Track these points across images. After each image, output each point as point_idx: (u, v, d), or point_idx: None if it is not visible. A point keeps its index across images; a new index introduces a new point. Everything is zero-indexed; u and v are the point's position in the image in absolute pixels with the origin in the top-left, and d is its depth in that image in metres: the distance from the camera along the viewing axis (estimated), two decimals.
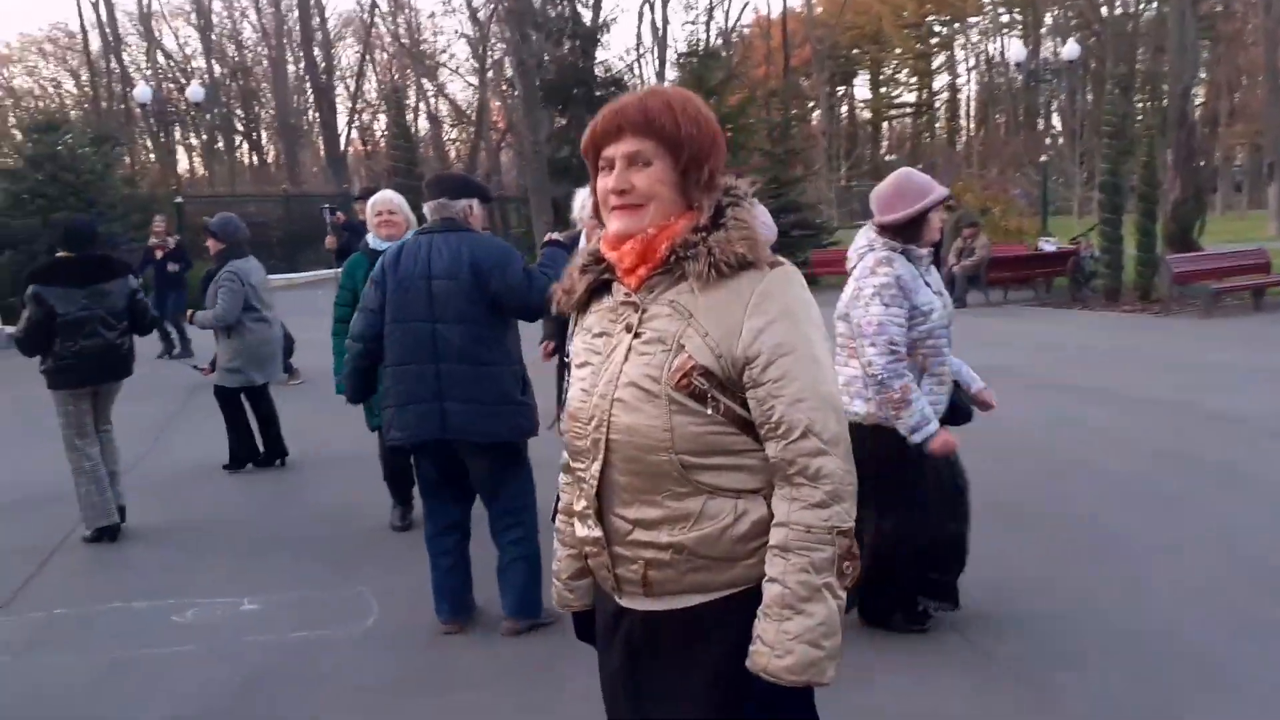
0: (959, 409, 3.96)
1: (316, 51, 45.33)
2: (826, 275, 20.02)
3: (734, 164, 15.49)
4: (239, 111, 51.40)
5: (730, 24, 50.82)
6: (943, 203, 3.86)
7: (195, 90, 26.22)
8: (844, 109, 64.75)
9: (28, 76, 50.36)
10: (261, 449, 7.24)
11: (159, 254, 13.75)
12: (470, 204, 4.11)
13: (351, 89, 49.52)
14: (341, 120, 47.58)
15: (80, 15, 45.01)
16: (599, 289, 1.86)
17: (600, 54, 26.09)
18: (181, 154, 49.43)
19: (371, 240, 5.44)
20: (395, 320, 3.96)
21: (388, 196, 5.54)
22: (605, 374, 1.77)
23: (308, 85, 46.86)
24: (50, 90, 49.40)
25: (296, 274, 26.32)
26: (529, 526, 4.16)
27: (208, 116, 43.78)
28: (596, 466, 1.77)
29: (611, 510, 1.80)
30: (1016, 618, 4.17)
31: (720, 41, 47.60)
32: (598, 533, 1.81)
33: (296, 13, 44.87)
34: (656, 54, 44.26)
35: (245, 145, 53.69)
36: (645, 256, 1.75)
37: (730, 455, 1.73)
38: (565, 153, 24.42)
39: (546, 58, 24.54)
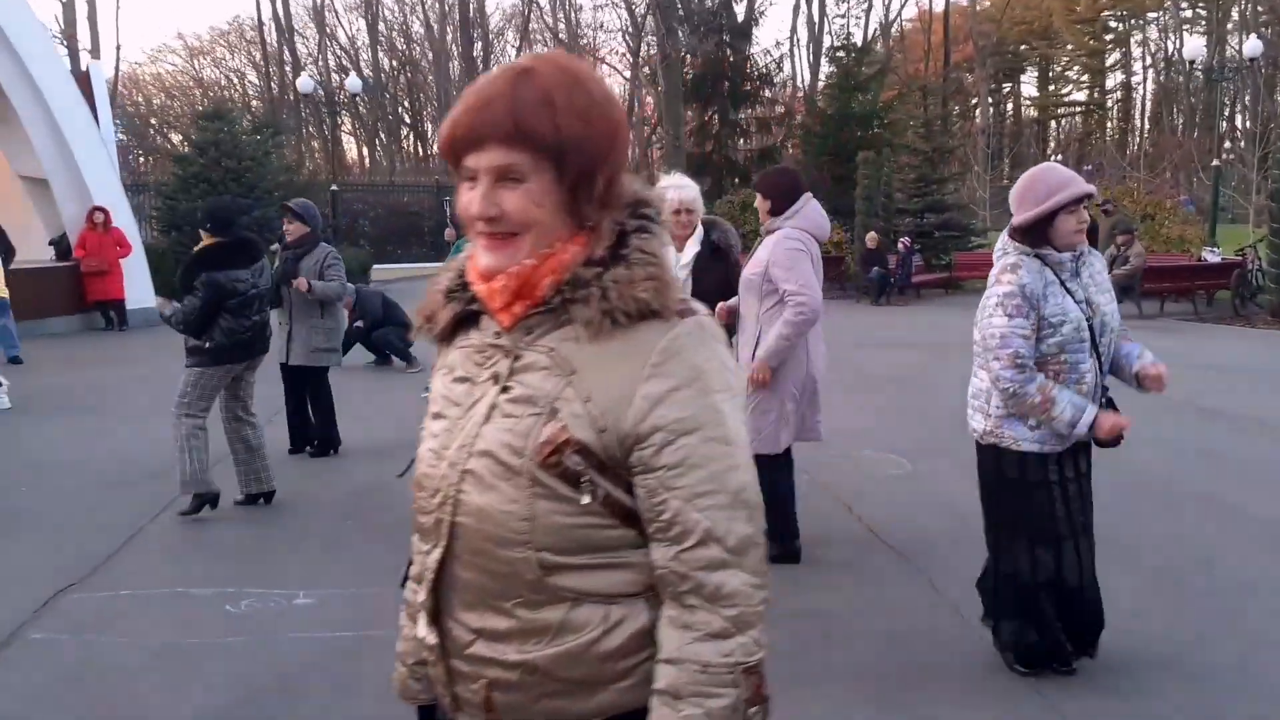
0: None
1: (476, 45, 46.35)
2: (971, 279, 19.37)
3: (880, 160, 15.23)
4: (405, 103, 53.25)
5: (890, 17, 49.65)
6: (1077, 202, 3.43)
7: (353, 81, 27.13)
8: (1010, 106, 62.51)
9: (214, 68, 53.49)
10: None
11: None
12: None
13: None
14: None
15: (258, 8, 46.99)
16: (468, 318, 1.46)
17: (753, 47, 25.64)
18: (350, 143, 51.48)
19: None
20: None
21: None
22: (460, 435, 1.39)
23: (466, 79, 48.01)
24: (235, 81, 52.31)
25: (442, 263, 26.83)
26: None
27: (362, 109, 45.20)
28: (436, 555, 1.40)
29: (451, 613, 1.41)
30: (1110, 670, 3.77)
31: (878, 35, 46.63)
32: (433, 639, 1.43)
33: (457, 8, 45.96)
34: (811, 48, 43.53)
35: (412, 136, 55.45)
36: (521, 293, 1.35)
37: (606, 553, 1.34)
38: (709, 147, 24.29)
39: (692, 52, 24.36)
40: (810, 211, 4.92)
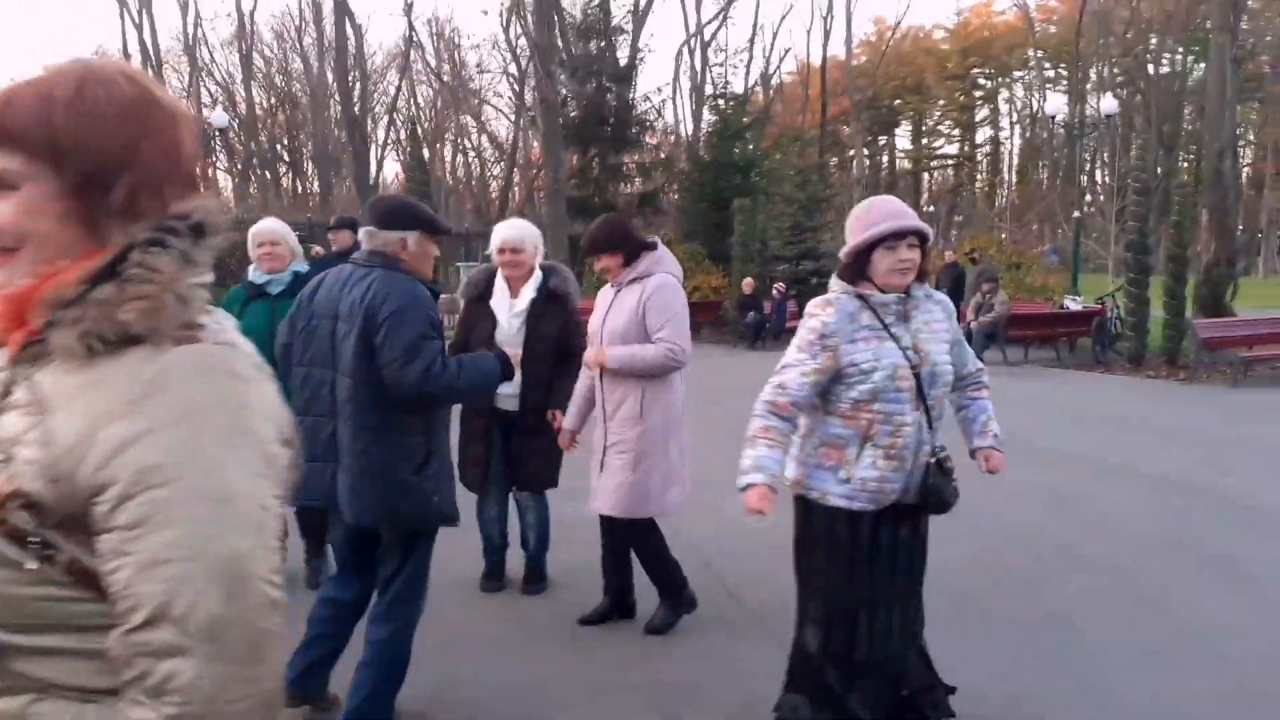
0: (932, 494, 3.22)
1: (355, 86, 45.73)
2: None
3: (756, 208, 15.22)
4: (284, 141, 52.10)
5: (770, 69, 50.72)
6: (897, 238, 3.10)
7: (218, 116, 26.34)
8: (885, 158, 64.43)
9: None
10: None
11: None
12: (405, 238, 3.40)
13: (388, 121, 49.97)
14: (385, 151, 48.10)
15: (124, 38, 45.50)
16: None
17: (634, 93, 25.74)
18: (225, 180, 50.05)
19: (252, 273, 5.02)
20: (298, 362, 3.50)
21: (270, 226, 5.09)
22: None
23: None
24: None
25: None
26: (398, 632, 3.53)
27: (236, 145, 44.06)
28: None
29: None
30: None
31: (757, 85, 47.57)
32: None
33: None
34: (693, 96, 44.12)
35: (292, 173, 54.19)
36: (17, 319, 1.14)
37: (79, 634, 1.10)
38: (589, 190, 24.19)
39: (571, 96, 24.32)
40: (668, 256, 4.70)
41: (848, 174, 51.56)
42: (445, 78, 49.52)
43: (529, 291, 5.01)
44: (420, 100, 52.06)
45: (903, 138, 64.75)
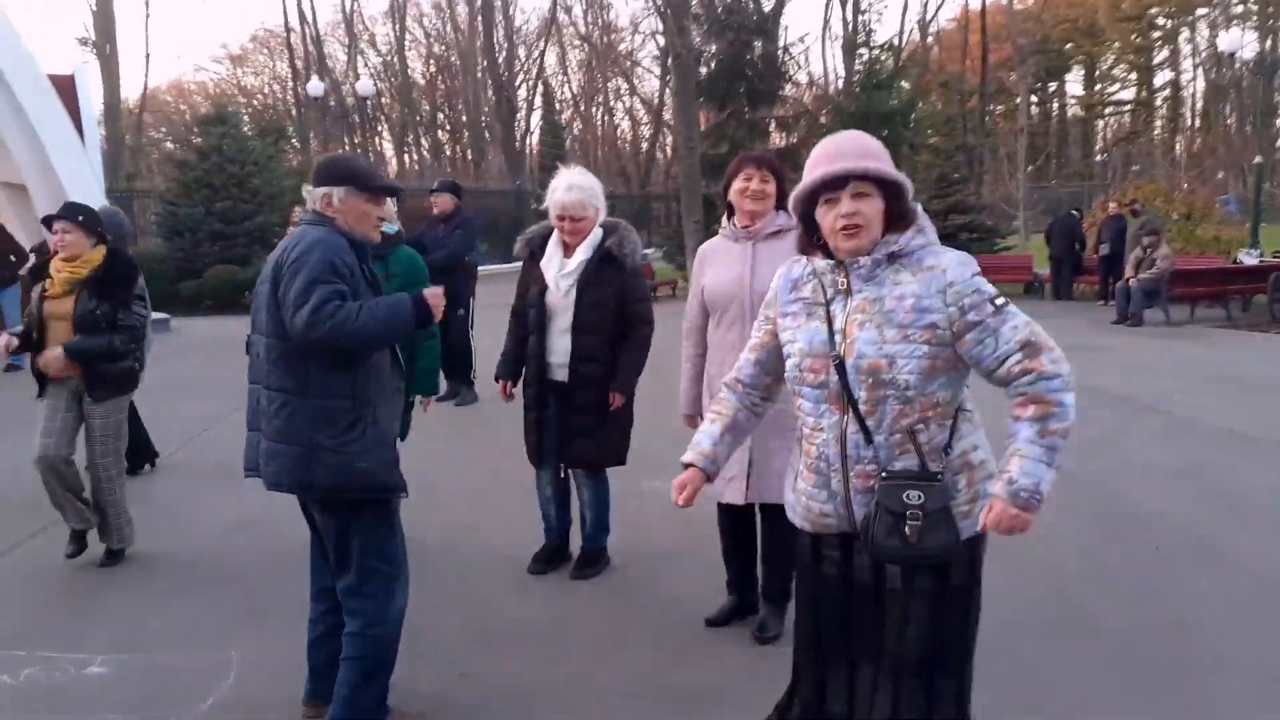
0: (866, 535, 2.39)
1: (501, 51, 46.01)
2: (995, 282, 18.40)
3: (899, 159, 14.22)
4: (446, 108, 52.93)
5: (928, 16, 48.49)
6: (832, 188, 2.38)
7: (364, 85, 26.79)
8: (1055, 105, 61.00)
9: (255, 75, 53.62)
10: None
11: None
12: (330, 193, 3.14)
13: (531, 86, 50.18)
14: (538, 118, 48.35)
15: (285, 15, 47.06)
16: None
17: (775, 44, 24.75)
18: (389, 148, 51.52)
19: None
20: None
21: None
22: None
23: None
24: (277, 87, 52.39)
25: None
26: (372, 616, 3.19)
27: (377, 113, 44.99)
28: None
29: None
30: None
31: (913, 32, 45.56)
32: None
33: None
34: (843, 46, 42.52)
35: (451, 141, 54.98)
36: None
37: None
38: (724, 149, 23.47)
39: (704, 50, 23.59)
40: None
41: (1014, 123, 48.96)
42: (594, 40, 49.35)
43: (582, 252, 4.58)
44: (573, 64, 52.16)
45: (1074, 83, 61.07)
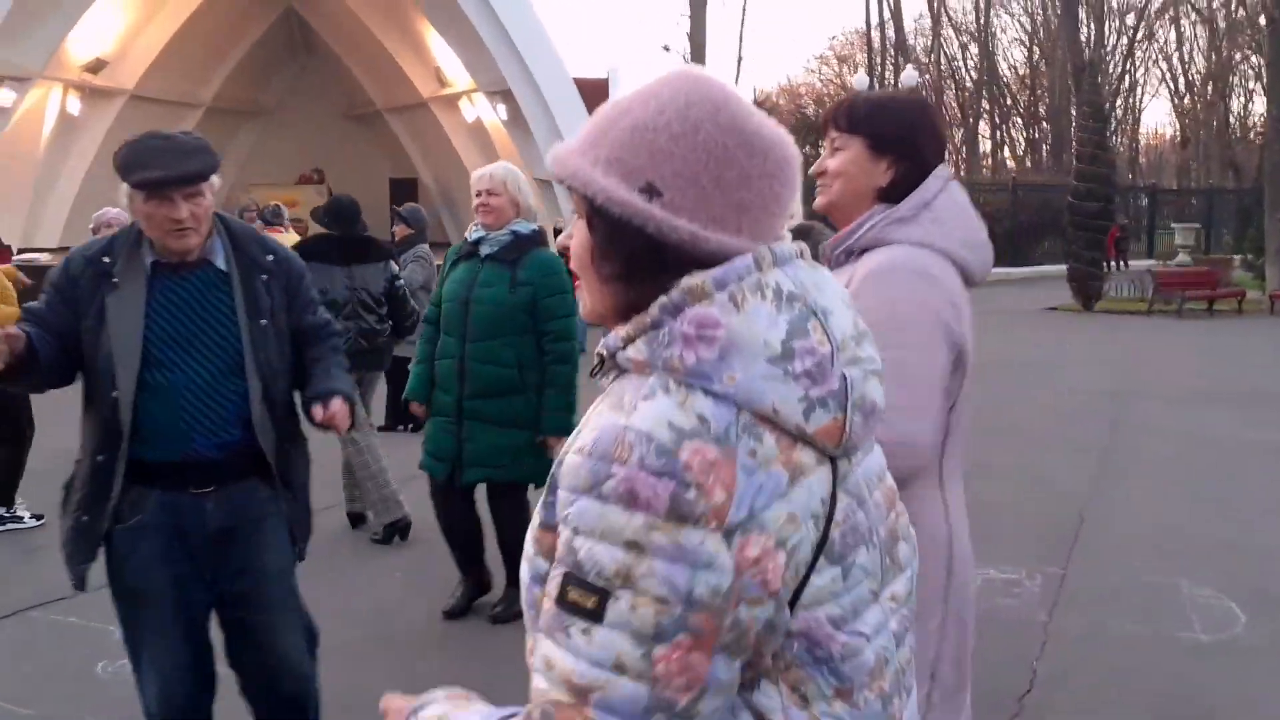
0: None
1: (1084, 29, 42.06)
2: None
3: None
4: (1047, 99, 49.82)
5: None
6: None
7: (908, 74, 25.71)
8: None
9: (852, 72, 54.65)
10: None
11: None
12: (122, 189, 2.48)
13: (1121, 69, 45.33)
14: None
15: (867, 12, 47.58)
16: None
17: None
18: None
19: (470, 229, 4.29)
20: None
21: (489, 170, 4.20)
22: None
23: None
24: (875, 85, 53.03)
25: (1016, 268, 24.28)
26: None
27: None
28: None
29: None
30: None
31: None
32: None
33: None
34: None
35: (1036, 133, 51.70)
36: None
37: None
38: None
39: None
40: (960, 206, 2.02)
41: None
42: (1218, 14, 42.97)
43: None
44: (1199, 41, 46.21)
45: None
